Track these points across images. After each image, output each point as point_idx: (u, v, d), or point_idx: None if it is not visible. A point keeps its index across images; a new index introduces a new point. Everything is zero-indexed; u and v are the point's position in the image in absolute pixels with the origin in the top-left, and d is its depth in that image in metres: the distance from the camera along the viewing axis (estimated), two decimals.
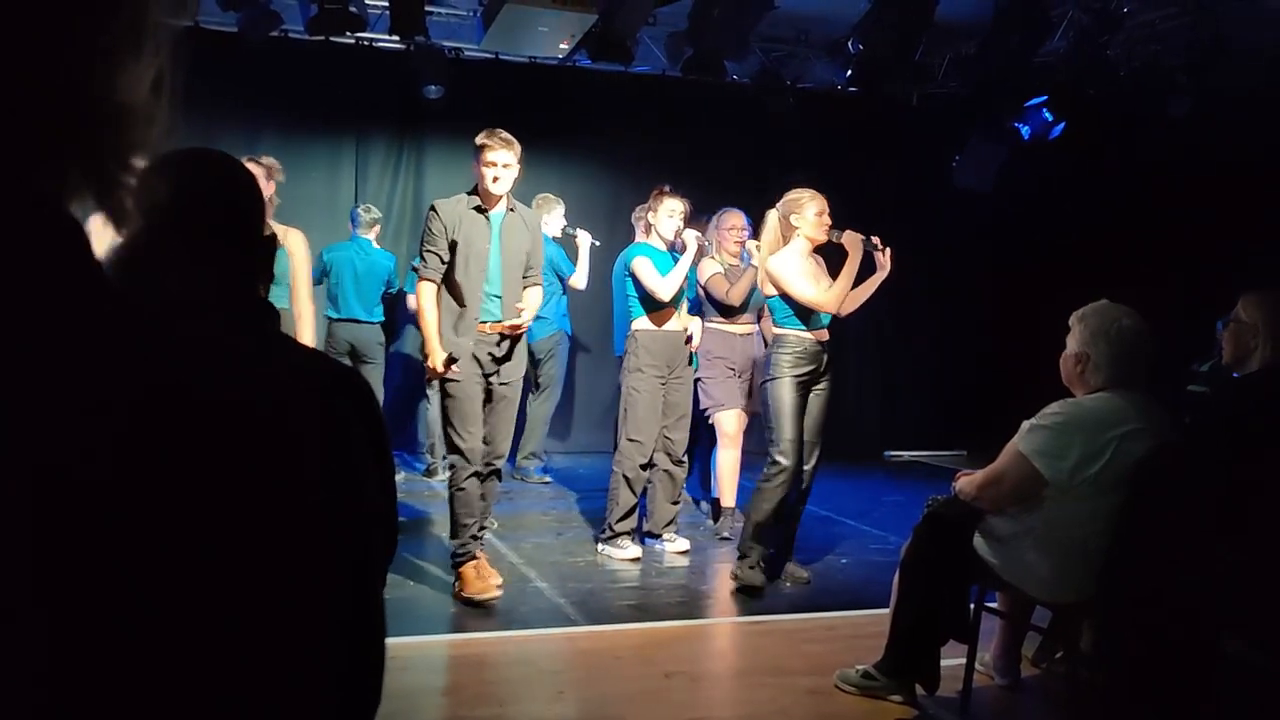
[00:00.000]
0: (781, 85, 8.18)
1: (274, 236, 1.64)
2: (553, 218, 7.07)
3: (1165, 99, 7.22)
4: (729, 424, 5.83)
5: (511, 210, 4.58)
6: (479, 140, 4.43)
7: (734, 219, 5.89)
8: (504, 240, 4.53)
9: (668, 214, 5.40)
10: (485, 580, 4.47)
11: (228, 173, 1.51)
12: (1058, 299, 3.59)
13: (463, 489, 4.47)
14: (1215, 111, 6.99)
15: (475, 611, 4.43)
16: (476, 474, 4.49)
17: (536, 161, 8.71)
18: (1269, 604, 3.23)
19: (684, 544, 5.51)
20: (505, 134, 4.44)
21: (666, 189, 5.48)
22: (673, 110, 8.44)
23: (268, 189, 4.80)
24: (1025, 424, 3.28)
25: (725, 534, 5.79)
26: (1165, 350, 3.50)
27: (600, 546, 5.38)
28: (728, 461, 5.90)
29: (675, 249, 5.49)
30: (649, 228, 5.47)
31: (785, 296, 4.75)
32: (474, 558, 4.51)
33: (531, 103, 8.27)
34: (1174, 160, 7.41)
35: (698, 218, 5.91)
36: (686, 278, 5.47)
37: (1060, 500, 3.16)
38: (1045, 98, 7.93)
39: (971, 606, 3.47)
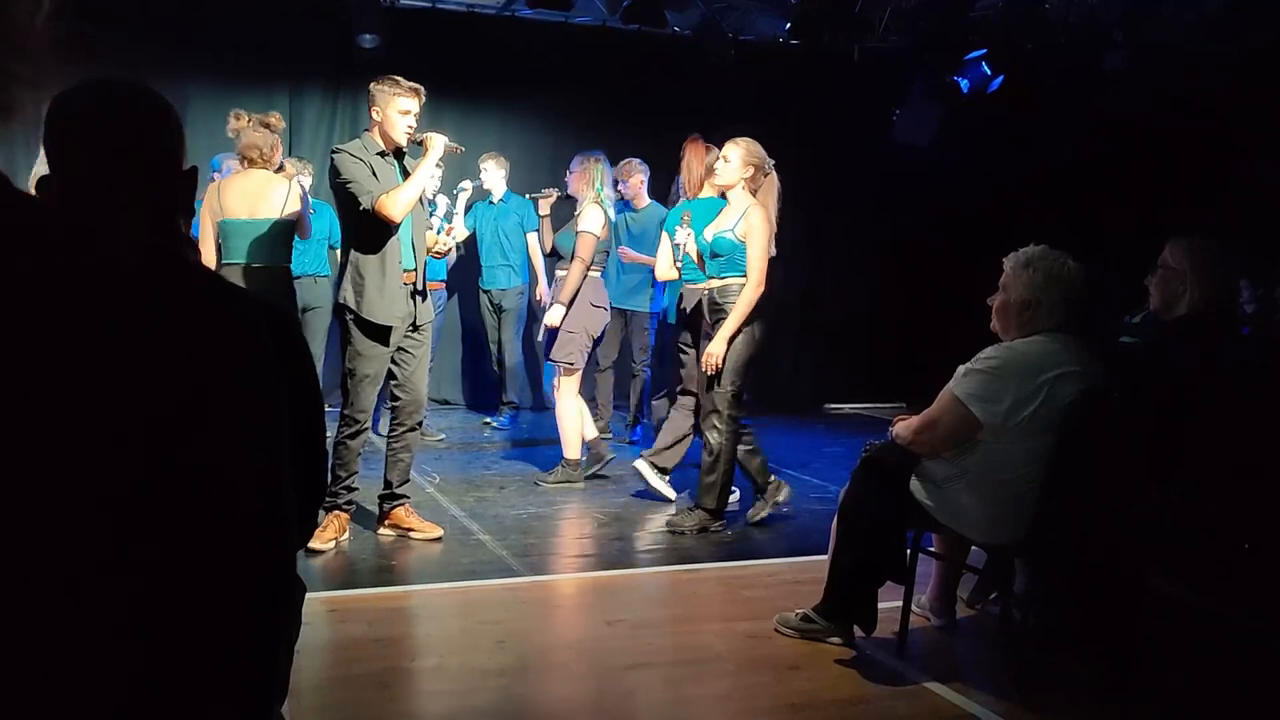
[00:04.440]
0: (722, 37, 8.12)
1: (194, 170, 1.59)
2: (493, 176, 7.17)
3: (1100, 53, 7.30)
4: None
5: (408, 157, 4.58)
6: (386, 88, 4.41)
7: None
8: None
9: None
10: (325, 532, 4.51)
11: (137, 102, 1.45)
12: (991, 250, 3.61)
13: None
14: (1150, 66, 7.08)
15: (415, 565, 4.41)
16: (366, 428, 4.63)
17: (475, 114, 8.61)
18: (1196, 543, 3.33)
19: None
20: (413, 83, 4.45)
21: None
22: (613, 62, 8.35)
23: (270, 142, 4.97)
24: (960, 368, 3.32)
25: (550, 482, 5.81)
26: (1099, 304, 3.55)
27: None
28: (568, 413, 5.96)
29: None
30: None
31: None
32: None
33: (470, 53, 8.14)
34: (1109, 115, 7.50)
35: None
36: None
37: (994, 443, 3.20)
38: (984, 51, 7.97)
39: (908, 550, 3.53)
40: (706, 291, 4.93)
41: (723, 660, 3.50)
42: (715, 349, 4.79)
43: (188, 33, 7.24)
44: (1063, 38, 7.55)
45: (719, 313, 4.83)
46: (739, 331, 4.78)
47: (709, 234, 4.89)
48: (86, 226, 0.75)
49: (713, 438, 4.87)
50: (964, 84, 8.14)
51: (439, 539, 4.67)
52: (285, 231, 4.87)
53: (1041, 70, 7.89)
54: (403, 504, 4.74)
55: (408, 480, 4.76)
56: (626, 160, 6.90)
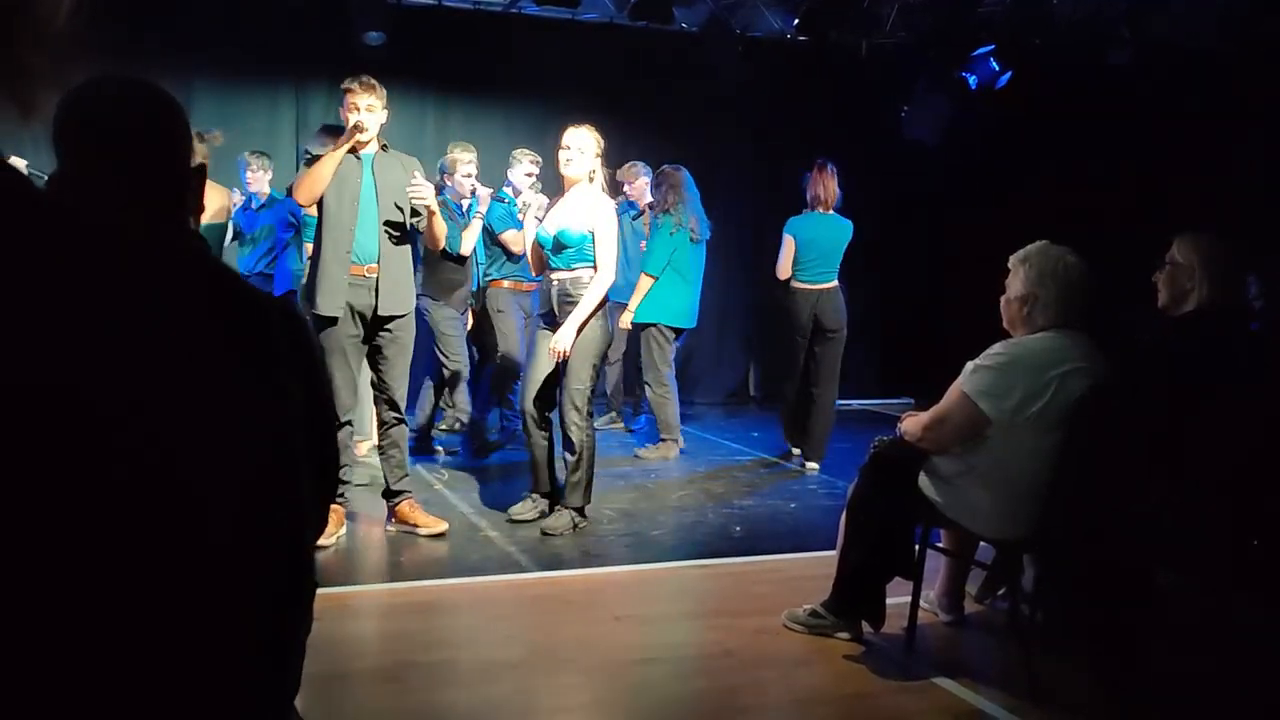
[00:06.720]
0: (730, 33, 8.12)
1: (203, 167, 1.60)
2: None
3: (1105, 50, 7.28)
4: None
5: (384, 149, 4.61)
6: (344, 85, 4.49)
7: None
8: (378, 179, 4.52)
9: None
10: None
11: (146, 100, 1.46)
12: (1000, 246, 3.60)
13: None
14: (1156, 62, 7.06)
15: (423, 560, 4.43)
16: (346, 423, 4.58)
17: (481, 112, 8.62)
18: (1200, 541, 3.32)
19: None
20: (369, 78, 4.48)
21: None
22: (620, 59, 8.35)
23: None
24: (969, 365, 3.31)
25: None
26: (1107, 300, 3.54)
27: None
28: None
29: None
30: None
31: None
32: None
33: (475, 51, 8.14)
34: (1115, 110, 7.48)
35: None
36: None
37: (1003, 439, 3.20)
38: (992, 47, 7.95)
39: (916, 546, 3.53)
40: (556, 283, 4.80)
41: (730, 655, 3.50)
42: (564, 336, 4.70)
43: (193, 31, 7.25)
44: (1068, 34, 7.52)
45: (571, 303, 4.76)
46: (588, 322, 4.73)
47: (552, 227, 4.78)
48: (86, 225, 0.75)
49: (575, 436, 4.79)
50: (972, 80, 8.12)
51: (444, 534, 4.69)
52: (217, 238, 5.73)
53: (1049, 66, 7.87)
54: (406, 499, 4.75)
55: (406, 475, 4.78)
56: (631, 163, 6.88)
